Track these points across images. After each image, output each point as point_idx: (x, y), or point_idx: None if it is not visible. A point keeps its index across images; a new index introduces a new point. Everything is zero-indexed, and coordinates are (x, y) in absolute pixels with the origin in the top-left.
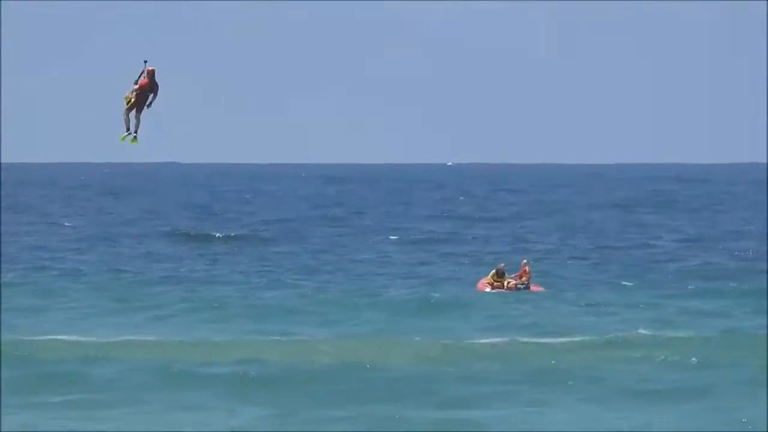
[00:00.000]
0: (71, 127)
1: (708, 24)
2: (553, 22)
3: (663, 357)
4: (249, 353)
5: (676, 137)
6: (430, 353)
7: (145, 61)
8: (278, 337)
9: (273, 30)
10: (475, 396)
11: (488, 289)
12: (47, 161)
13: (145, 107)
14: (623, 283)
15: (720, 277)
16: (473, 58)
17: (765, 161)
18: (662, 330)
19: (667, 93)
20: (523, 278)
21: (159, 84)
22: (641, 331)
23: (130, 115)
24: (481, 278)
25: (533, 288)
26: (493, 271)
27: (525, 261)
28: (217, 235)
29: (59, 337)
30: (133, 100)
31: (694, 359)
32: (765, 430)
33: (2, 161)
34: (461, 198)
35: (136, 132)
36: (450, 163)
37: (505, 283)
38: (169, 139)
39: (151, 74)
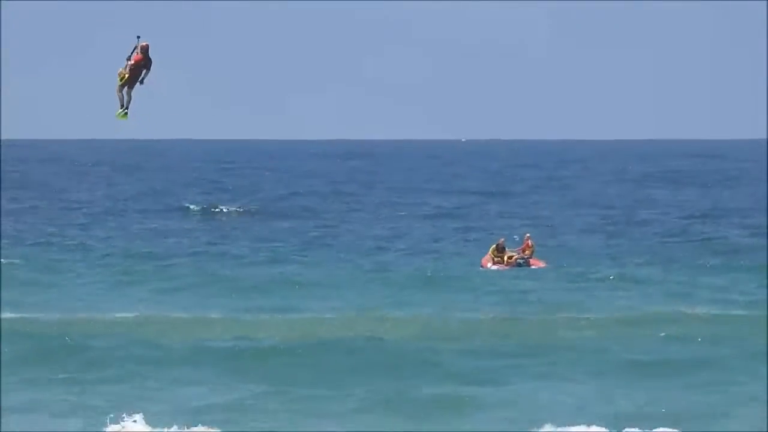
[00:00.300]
0: (93, 105)
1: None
2: None
3: (670, 332)
4: (252, 329)
5: (687, 114)
6: (432, 328)
7: (138, 37)
8: (281, 313)
9: (273, 30)
10: (478, 370)
11: (490, 265)
12: (62, 138)
13: (138, 83)
14: (633, 258)
15: (730, 251)
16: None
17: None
18: (671, 305)
19: (674, 70)
20: (526, 252)
21: (152, 60)
22: (650, 306)
23: (123, 91)
24: (486, 254)
25: (533, 262)
26: (493, 246)
27: (528, 235)
28: (225, 210)
29: (59, 315)
30: (127, 76)
31: (702, 334)
32: None
33: (20, 137)
34: (473, 173)
35: (127, 108)
36: (464, 140)
37: (506, 258)
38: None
39: (145, 50)
